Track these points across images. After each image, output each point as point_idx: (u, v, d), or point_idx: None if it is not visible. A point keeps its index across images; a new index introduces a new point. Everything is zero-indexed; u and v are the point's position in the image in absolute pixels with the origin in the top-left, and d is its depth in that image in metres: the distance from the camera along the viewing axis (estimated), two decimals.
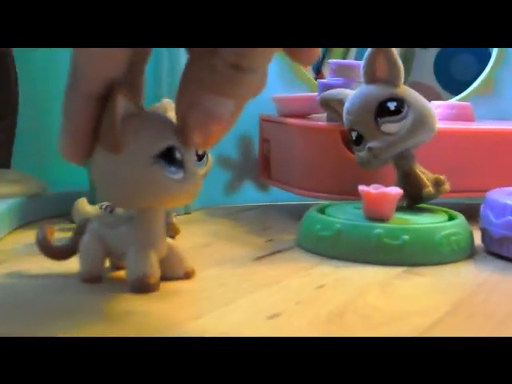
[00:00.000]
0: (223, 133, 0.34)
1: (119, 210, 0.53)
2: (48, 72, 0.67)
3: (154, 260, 0.39)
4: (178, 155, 0.35)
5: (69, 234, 0.43)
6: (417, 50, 1.07)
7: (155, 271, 0.39)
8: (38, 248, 0.42)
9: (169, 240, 0.41)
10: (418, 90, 0.53)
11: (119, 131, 0.34)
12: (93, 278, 0.40)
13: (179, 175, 0.36)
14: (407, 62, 1.01)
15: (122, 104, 0.34)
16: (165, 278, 0.40)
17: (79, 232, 0.42)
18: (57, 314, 0.35)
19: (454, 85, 1.04)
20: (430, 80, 1.06)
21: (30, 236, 0.51)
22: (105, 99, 0.34)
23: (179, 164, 0.36)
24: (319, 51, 0.35)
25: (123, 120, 0.34)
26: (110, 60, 0.33)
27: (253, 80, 0.32)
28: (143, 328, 0.34)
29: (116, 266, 0.42)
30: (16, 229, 0.54)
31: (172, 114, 0.47)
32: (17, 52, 0.63)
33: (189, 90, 0.33)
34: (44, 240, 0.42)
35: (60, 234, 0.51)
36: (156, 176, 0.35)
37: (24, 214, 0.56)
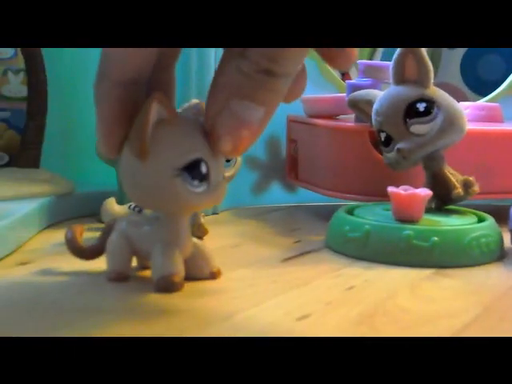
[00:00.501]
0: (253, 140, 0.33)
1: (147, 211, 0.53)
2: (77, 72, 0.67)
3: (178, 259, 0.39)
4: (203, 168, 0.35)
5: (97, 234, 0.43)
6: (443, 50, 1.06)
7: (180, 270, 0.39)
8: (66, 247, 0.42)
9: (195, 240, 0.41)
10: (444, 91, 0.53)
11: (148, 138, 0.34)
12: (119, 277, 0.41)
13: (201, 188, 0.36)
14: (434, 62, 1.01)
15: (155, 111, 0.34)
16: (190, 277, 0.41)
17: (107, 231, 0.42)
18: (84, 313, 0.36)
19: (480, 85, 1.03)
20: (457, 81, 1.05)
21: (58, 236, 0.51)
22: (136, 85, 0.34)
23: (203, 177, 0.36)
24: (356, 54, 0.34)
25: (154, 126, 0.34)
26: (135, 51, 0.33)
27: (284, 85, 0.32)
28: (173, 328, 0.34)
29: (143, 266, 0.43)
30: (45, 228, 0.54)
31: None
32: (46, 52, 0.63)
33: (219, 96, 0.33)
34: (73, 239, 0.42)
35: (89, 234, 0.52)
36: (178, 188, 0.35)
37: (53, 214, 0.56)
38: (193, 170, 0.35)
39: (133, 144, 0.35)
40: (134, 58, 0.34)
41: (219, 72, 0.33)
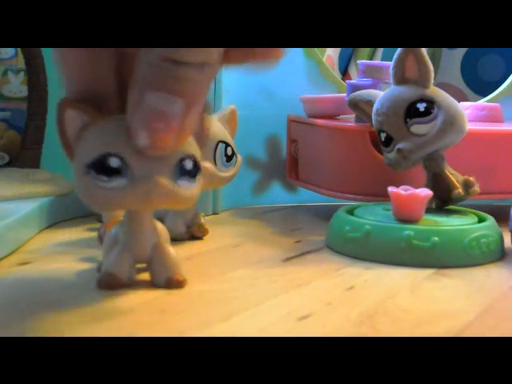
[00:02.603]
0: (178, 135, 0.32)
1: None
2: None
3: (125, 261, 0.39)
4: (111, 163, 0.34)
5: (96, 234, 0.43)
6: (443, 50, 1.06)
7: (123, 271, 0.39)
8: (98, 243, 0.43)
9: (160, 245, 0.40)
10: (444, 91, 0.53)
11: (70, 144, 0.35)
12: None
13: (114, 183, 0.34)
14: (434, 62, 1.01)
15: (70, 119, 0.35)
16: (152, 283, 0.40)
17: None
18: (85, 313, 0.36)
19: (480, 85, 1.04)
20: (457, 81, 1.05)
21: (58, 236, 0.52)
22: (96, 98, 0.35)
23: (113, 171, 0.34)
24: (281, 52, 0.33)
25: (81, 130, 0.35)
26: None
27: (195, 75, 0.31)
28: (173, 328, 0.34)
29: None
30: (45, 228, 0.54)
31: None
32: (46, 52, 0.63)
33: (134, 90, 0.32)
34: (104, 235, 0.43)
35: (89, 234, 0.52)
36: (88, 185, 0.35)
37: (53, 214, 0.56)
38: (99, 165, 0.34)
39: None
40: (84, 74, 0.34)
41: (135, 67, 0.32)
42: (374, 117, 0.54)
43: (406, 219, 0.48)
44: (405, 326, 0.35)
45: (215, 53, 0.31)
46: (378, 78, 0.61)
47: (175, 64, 0.30)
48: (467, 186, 0.52)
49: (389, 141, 0.53)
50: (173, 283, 0.40)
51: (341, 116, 0.65)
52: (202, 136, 0.36)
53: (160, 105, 0.31)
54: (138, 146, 0.33)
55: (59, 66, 0.34)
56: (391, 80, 0.53)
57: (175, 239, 0.52)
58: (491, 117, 0.68)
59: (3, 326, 0.34)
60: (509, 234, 0.51)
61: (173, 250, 0.40)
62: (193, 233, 0.52)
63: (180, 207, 0.37)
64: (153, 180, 0.34)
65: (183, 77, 0.31)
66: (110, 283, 0.39)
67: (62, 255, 0.44)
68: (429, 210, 0.50)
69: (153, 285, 0.40)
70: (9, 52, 0.67)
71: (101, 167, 0.34)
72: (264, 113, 0.69)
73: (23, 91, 0.67)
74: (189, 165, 0.35)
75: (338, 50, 1.13)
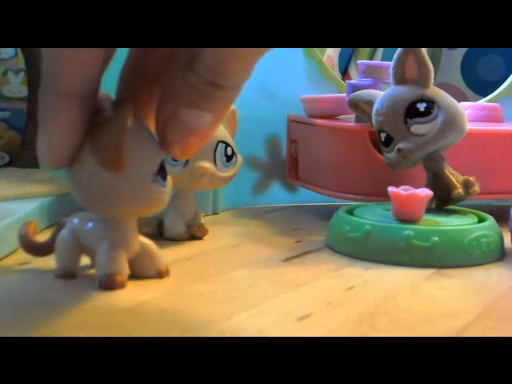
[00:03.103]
0: (202, 143, 0.34)
1: None
2: None
3: (122, 258, 0.39)
4: (167, 168, 0.37)
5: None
6: (443, 50, 1.06)
7: (123, 269, 0.39)
8: (19, 243, 0.43)
9: (142, 239, 0.41)
10: (444, 91, 0.53)
11: (125, 150, 0.34)
12: (66, 274, 0.41)
13: (166, 187, 0.37)
14: (434, 62, 1.01)
15: (130, 124, 0.34)
16: (138, 276, 0.41)
17: (59, 229, 0.42)
18: (85, 313, 0.36)
19: (480, 85, 1.04)
20: (457, 81, 1.05)
21: None
22: (86, 98, 0.34)
23: (166, 176, 0.37)
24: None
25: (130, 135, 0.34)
26: (88, 59, 0.33)
27: (231, 94, 0.32)
28: (173, 328, 0.34)
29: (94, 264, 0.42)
30: (45, 228, 0.54)
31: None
32: None
33: (167, 105, 0.33)
34: (25, 235, 0.43)
35: None
36: (155, 193, 0.36)
37: (53, 214, 0.56)
38: (161, 170, 0.36)
39: (105, 157, 0.34)
40: (82, 69, 0.33)
41: (168, 82, 0.33)
42: (374, 117, 0.54)
43: (406, 219, 0.48)
44: (405, 325, 0.35)
45: (250, 72, 0.32)
46: (378, 78, 0.61)
47: (216, 88, 0.32)
48: (467, 186, 0.52)
49: (389, 141, 0.53)
50: (164, 274, 0.42)
51: (341, 116, 0.65)
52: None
53: (192, 122, 0.33)
54: (169, 154, 0.35)
55: (56, 58, 0.34)
56: (391, 80, 0.53)
57: (175, 239, 0.52)
58: (491, 117, 0.68)
59: (3, 325, 0.34)
60: (509, 234, 0.51)
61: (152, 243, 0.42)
62: (193, 233, 0.52)
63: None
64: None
65: (218, 97, 0.32)
66: (112, 284, 0.39)
67: None
68: (429, 210, 0.50)
69: (137, 277, 0.41)
70: (9, 52, 0.67)
71: (163, 172, 0.36)
72: (264, 113, 0.69)
73: (23, 91, 0.67)
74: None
75: (338, 50, 1.13)
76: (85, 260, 0.42)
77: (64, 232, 0.41)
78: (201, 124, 0.33)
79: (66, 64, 0.32)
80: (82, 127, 0.34)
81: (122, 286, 0.39)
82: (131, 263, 0.40)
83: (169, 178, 0.37)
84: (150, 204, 0.36)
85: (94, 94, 0.35)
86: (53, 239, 0.42)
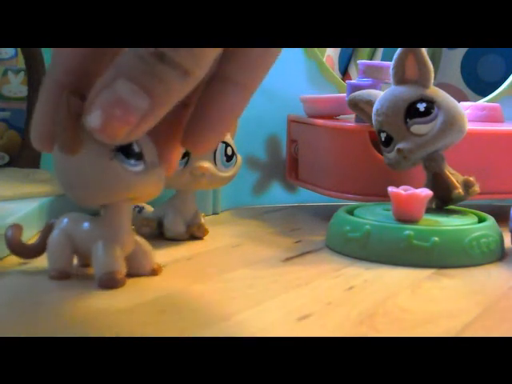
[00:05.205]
0: (129, 129, 0.31)
1: (148, 210, 0.53)
2: None
3: (120, 256, 0.39)
4: (135, 147, 0.36)
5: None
6: (443, 50, 1.06)
7: (121, 267, 0.39)
8: (6, 246, 0.42)
9: (136, 236, 0.41)
10: (444, 91, 0.53)
11: (74, 133, 0.34)
12: (61, 276, 0.41)
13: (139, 167, 0.36)
14: (434, 62, 1.01)
15: (72, 105, 0.34)
16: (131, 274, 0.41)
17: (48, 230, 0.42)
18: (83, 313, 0.36)
19: (480, 85, 1.03)
20: (457, 81, 1.05)
21: None
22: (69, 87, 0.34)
23: (138, 156, 0.36)
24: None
25: (78, 119, 0.34)
26: (69, 52, 0.33)
27: (174, 79, 0.30)
28: (173, 327, 0.34)
29: (83, 264, 0.43)
30: None
31: None
32: (46, 52, 0.63)
33: (109, 72, 0.31)
34: (12, 238, 0.42)
35: None
36: (117, 170, 0.35)
37: (52, 214, 0.56)
38: (126, 149, 0.35)
39: (60, 141, 0.35)
40: (77, 63, 0.33)
41: (121, 52, 0.31)
42: (374, 117, 0.54)
43: (406, 219, 0.48)
44: (405, 325, 0.35)
45: (204, 64, 0.31)
46: (378, 78, 0.61)
47: (161, 61, 0.30)
48: (467, 185, 0.52)
49: (389, 141, 0.53)
50: (157, 272, 0.42)
51: (341, 116, 0.65)
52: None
53: (127, 95, 0.31)
54: (86, 124, 0.32)
55: (54, 55, 0.34)
56: (391, 80, 0.53)
57: (175, 239, 0.52)
58: (491, 117, 0.68)
59: (3, 326, 0.34)
60: (509, 234, 0.51)
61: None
62: (193, 233, 0.52)
63: None
64: (160, 171, 0.37)
65: (162, 77, 0.30)
66: (113, 282, 0.39)
67: None
68: (429, 210, 0.50)
69: (131, 275, 0.41)
70: (9, 52, 0.67)
71: (129, 151, 0.36)
72: (264, 113, 0.69)
73: (23, 91, 0.67)
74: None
75: (338, 50, 1.13)
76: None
77: (56, 233, 0.41)
78: (131, 100, 0.30)
79: (56, 53, 0.33)
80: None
81: (122, 283, 0.39)
82: (125, 261, 0.40)
83: (151, 166, 0.36)
84: (118, 184, 0.36)
85: (81, 84, 0.35)
86: (42, 241, 0.42)
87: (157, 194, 0.38)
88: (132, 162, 0.36)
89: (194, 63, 0.30)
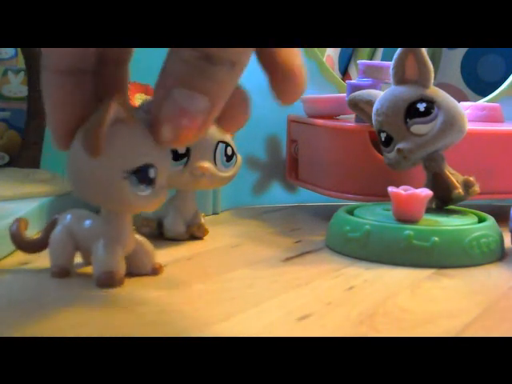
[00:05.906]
0: (198, 132, 0.32)
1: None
2: None
3: (120, 256, 0.39)
4: (151, 174, 0.36)
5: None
6: (443, 50, 1.06)
7: (121, 267, 0.39)
8: (11, 240, 0.43)
9: (137, 236, 0.41)
10: (444, 91, 0.53)
11: (104, 137, 0.34)
12: (61, 272, 0.41)
13: (147, 192, 0.36)
14: (434, 62, 1.01)
15: (114, 111, 0.34)
16: (133, 273, 0.41)
17: (51, 226, 0.42)
18: (83, 313, 0.36)
19: (480, 85, 1.03)
20: (457, 81, 1.05)
21: None
22: (79, 74, 0.34)
23: (150, 181, 0.36)
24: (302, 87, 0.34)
25: (109, 125, 0.34)
26: None
27: (225, 75, 0.31)
28: (172, 328, 0.34)
29: (88, 263, 0.42)
30: None
31: None
32: None
33: (163, 85, 0.32)
34: (17, 232, 0.43)
35: None
36: (124, 190, 0.35)
37: (53, 214, 0.56)
38: (141, 174, 0.35)
39: (86, 140, 0.34)
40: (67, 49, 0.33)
41: (166, 60, 0.32)
42: (374, 117, 0.54)
43: (406, 219, 0.48)
44: (405, 325, 0.35)
45: (248, 53, 0.31)
46: (378, 78, 0.61)
47: (209, 63, 0.30)
48: (467, 185, 0.52)
49: (389, 141, 0.53)
50: (158, 271, 0.42)
51: (341, 116, 0.65)
52: None
53: (187, 103, 0.31)
54: (159, 138, 0.33)
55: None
56: (391, 80, 0.53)
57: (175, 239, 0.52)
58: (491, 117, 0.68)
59: (3, 325, 0.34)
60: (509, 234, 0.51)
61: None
62: (193, 233, 0.52)
63: None
64: (164, 190, 0.37)
65: (213, 76, 0.31)
66: (110, 281, 0.39)
67: None
68: (429, 210, 0.50)
69: (132, 274, 0.41)
70: (9, 52, 0.67)
71: (143, 176, 0.35)
72: (264, 113, 0.69)
73: (23, 91, 0.67)
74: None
75: (338, 50, 1.13)
76: (78, 257, 0.42)
77: (58, 229, 0.41)
78: (195, 106, 0.31)
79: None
80: (81, 105, 0.35)
81: (120, 283, 0.39)
82: (126, 260, 0.40)
83: (159, 189, 0.37)
84: (121, 201, 0.36)
85: (89, 72, 0.35)
86: (46, 236, 0.42)
87: (156, 208, 0.38)
88: (142, 187, 0.36)
89: (237, 54, 0.31)
